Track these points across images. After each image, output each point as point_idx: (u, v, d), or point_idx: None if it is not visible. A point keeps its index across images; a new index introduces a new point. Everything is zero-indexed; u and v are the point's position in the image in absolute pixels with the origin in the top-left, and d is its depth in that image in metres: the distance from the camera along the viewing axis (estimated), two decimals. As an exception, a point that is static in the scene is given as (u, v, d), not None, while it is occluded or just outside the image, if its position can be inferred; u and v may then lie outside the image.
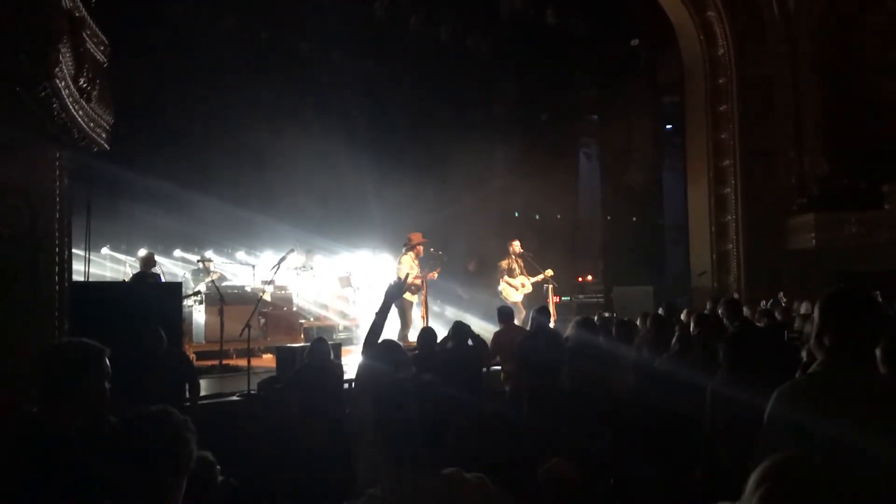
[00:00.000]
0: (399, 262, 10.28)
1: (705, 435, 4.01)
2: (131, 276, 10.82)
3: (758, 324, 7.65)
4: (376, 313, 3.73)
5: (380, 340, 3.82)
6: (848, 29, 15.41)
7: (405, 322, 10.00)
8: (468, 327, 6.65)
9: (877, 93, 14.87)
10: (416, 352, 6.45)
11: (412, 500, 1.94)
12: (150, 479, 1.85)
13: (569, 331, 6.30)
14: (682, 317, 8.16)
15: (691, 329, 5.61)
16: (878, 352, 4.39)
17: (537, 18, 15.82)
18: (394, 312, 10.04)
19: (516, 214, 18.05)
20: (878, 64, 15.13)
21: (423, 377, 3.78)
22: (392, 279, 3.63)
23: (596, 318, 7.97)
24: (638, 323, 7.34)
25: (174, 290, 8.07)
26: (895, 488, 1.64)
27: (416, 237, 10.37)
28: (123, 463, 1.86)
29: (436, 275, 10.44)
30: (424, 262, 10.54)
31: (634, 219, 18.90)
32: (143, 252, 10.19)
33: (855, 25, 15.42)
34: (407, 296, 9.99)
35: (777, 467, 1.38)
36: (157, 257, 12.94)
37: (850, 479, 1.36)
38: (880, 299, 10.42)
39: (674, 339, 5.47)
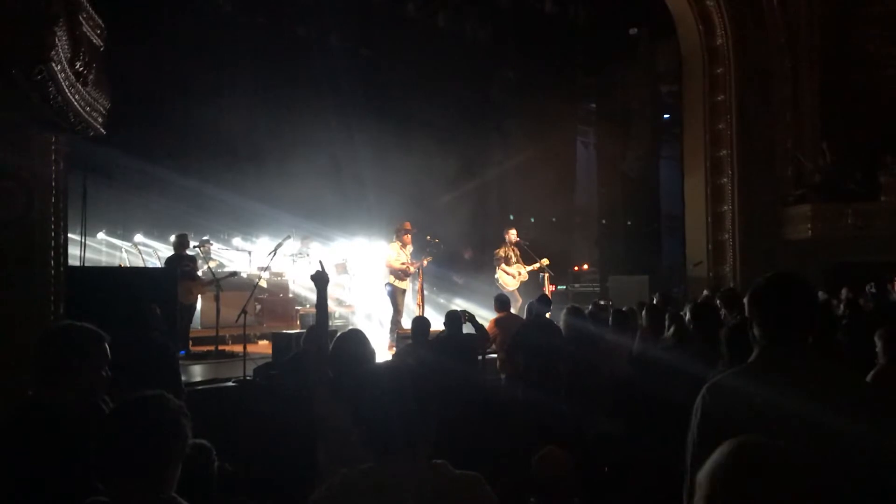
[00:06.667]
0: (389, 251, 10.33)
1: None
2: (165, 259, 10.20)
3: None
4: (316, 306, 3.74)
5: (349, 328, 3.87)
6: (847, 20, 15.36)
7: (397, 309, 10.07)
8: (470, 315, 6.68)
9: (875, 84, 14.86)
10: (410, 340, 6.47)
11: (392, 484, 1.83)
12: (145, 464, 1.86)
13: (561, 319, 6.32)
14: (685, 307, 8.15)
15: (687, 319, 5.58)
16: (877, 342, 4.38)
17: (536, 6, 15.76)
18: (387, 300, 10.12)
19: (508, 181, 17.98)
20: (877, 55, 15.10)
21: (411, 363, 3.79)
22: (317, 267, 3.61)
23: (591, 306, 7.98)
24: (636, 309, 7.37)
25: (170, 277, 8.04)
26: (840, 474, 1.61)
27: (405, 226, 10.40)
28: (118, 447, 1.87)
29: (426, 262, 10.47)
30: (419, 250, 10.60)
31: (630, 208, 18.89)
32: (176, 235, 9.86)
33: (854, 16, 15.37)
34: (397, 283, 10.05)
35: (733, 453, 1.33)
36: (153, 242, 12.92)
37: (807, 463, 1.31)
38: (875, 290, 10.44)
39: (671, 330, 5.46)
